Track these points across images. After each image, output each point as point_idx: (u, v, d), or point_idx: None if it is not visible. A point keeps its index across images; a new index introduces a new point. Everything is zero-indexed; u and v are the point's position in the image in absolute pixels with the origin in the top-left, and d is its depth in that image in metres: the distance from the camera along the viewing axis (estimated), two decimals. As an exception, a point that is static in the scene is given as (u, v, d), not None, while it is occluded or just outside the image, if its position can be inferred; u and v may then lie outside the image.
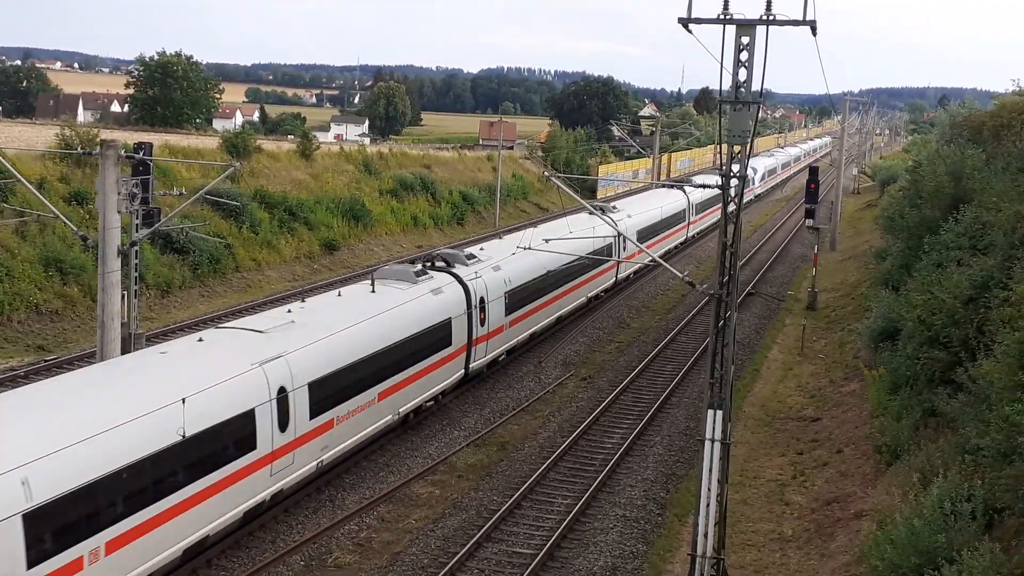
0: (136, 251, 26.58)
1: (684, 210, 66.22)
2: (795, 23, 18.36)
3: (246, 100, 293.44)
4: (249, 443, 21.82)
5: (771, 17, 18.26)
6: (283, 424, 22.94)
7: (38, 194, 30.14)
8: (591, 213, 33.46)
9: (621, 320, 47.08)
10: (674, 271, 22.45)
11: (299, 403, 23.53)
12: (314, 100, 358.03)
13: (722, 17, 18.42)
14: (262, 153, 64.49)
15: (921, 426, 25.08)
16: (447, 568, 22.03)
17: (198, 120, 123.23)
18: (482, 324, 34.18)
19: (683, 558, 22.55)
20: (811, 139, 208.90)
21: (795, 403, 35.12)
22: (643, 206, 58.18)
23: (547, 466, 28.15)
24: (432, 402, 31.82)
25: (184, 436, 19.45)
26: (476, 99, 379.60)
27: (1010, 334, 20.23)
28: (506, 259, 37.12)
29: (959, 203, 34.63)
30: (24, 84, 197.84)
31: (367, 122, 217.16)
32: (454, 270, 33.67)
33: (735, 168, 18.68)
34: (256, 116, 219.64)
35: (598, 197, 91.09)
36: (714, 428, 19.25)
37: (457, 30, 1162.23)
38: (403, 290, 30.26)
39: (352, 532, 24.17)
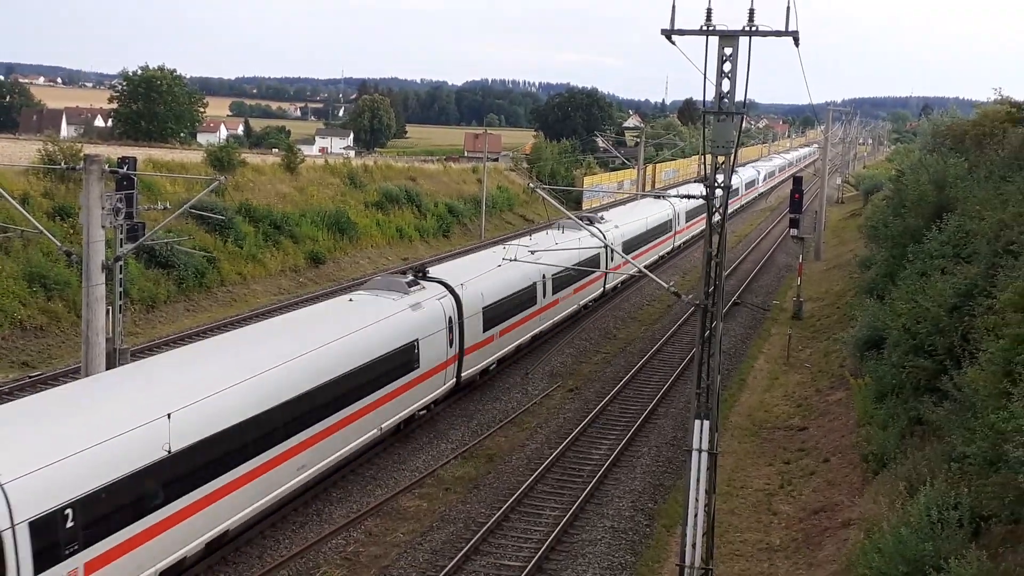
0: (121, 266, 26.49)
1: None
2: (777, 34, 18.44)
3: (230, 114, 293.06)
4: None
5: (754, 28, 18.34)
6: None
7: (21, 209, 30.03)
8: (579, 225, 33.47)
9: (607, 331, 47.11)
10: (660, 282, 22.48)
11: None
12: (299, 113, 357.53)
13: (705, 28, 18.49)
14: (247, 167, 64.37)
15: (907, 434, 25.13)
16: (435, 581, 21.97)
17: (182, 134, 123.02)
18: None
19: (671, 569, 22.56)
20: (795, 149, 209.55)
21: (782, 412, 35.17)
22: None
23: (535, 478, 28.12)
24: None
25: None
26: (461, 111, 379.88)
27: (994, 342, 20.32)
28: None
29: (942, 212, 34.80)
30: (7, 99, 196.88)
31: (352, 135, 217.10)
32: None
33: (719, 178, 18.72)
34: (240, 130, 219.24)
35: (583, 208, 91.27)
36: (701, 438, 19.25)
37: (441, 43, 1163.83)
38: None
39: (340, 546, 24.09)
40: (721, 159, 18.85)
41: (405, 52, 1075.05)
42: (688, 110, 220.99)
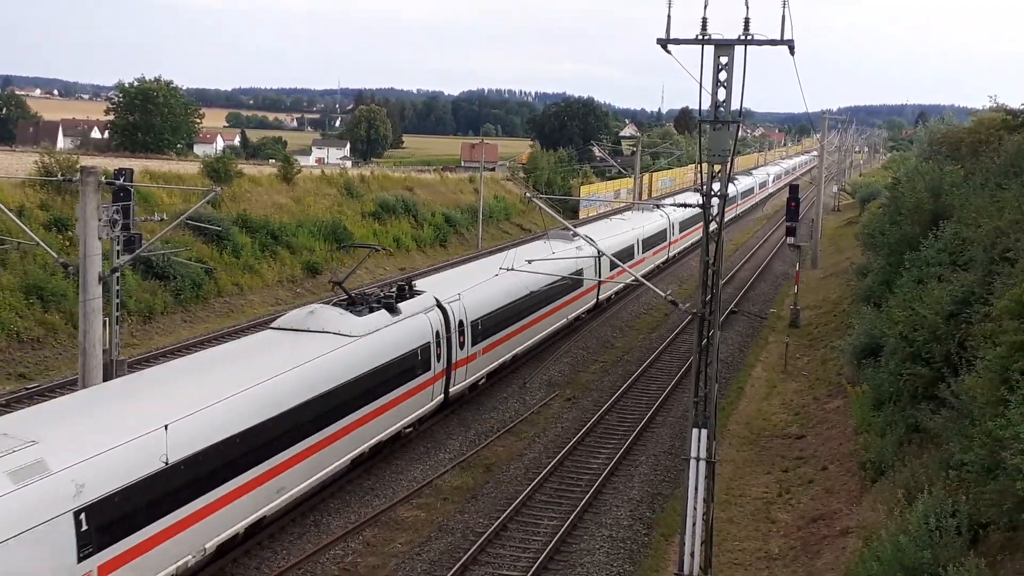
0: (117, 277, 26.54)
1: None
2: (773, 43, 18.50)
3: (227, 125, 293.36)
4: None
5: (749, 37, 18.40)
6: None
7: (18, 221, 30.05)
8: (574, 235, 33.32)
9: (605, 340, 47.11)
10: (657, 290, 22.52)
11: None
12: (295, 124, 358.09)
13: (700, 38, 18.55)
14: (243, 177, 64.41)
15: (905, 442, 25.13)
16: (434, 592, 21.93)
17: (179, 145, 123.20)
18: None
19: (670, 578, 22.52)
20: (791, 157, 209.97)
21: (779, 421, 35.16)
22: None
23: (533, 487, 28.08)
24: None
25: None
26: (457, 121, 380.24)
27: (991, 349, 20.33)
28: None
29: (939, 219, 34.84)
30: (3, 111, 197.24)
31: (348, 145, 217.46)
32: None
33: (715, 187, 18.76)
34: (237, 140, 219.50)
35: (580, 217, 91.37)
36: (699, 447, 19.26)
37: (437, 53, 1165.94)
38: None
39: (338, 557, 24.04)
40: (718, 168, 18.89)
41: (401, 62, 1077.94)
42: (684, 119, 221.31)
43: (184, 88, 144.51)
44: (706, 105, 18.77)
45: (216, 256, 52.35)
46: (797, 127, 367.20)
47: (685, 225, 71.78)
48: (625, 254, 54.90)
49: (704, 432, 19.26)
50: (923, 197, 38.57)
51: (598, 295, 50.78)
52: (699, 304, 19.43)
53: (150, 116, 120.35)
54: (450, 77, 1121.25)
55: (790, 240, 54.32)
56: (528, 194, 37.09)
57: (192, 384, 22.52)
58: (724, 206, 18.95)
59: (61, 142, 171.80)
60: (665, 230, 66.34)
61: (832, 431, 32.12)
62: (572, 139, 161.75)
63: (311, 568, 23.34)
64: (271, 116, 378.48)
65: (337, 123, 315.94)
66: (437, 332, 31.91)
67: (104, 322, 24.42)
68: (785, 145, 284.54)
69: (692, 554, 19.18)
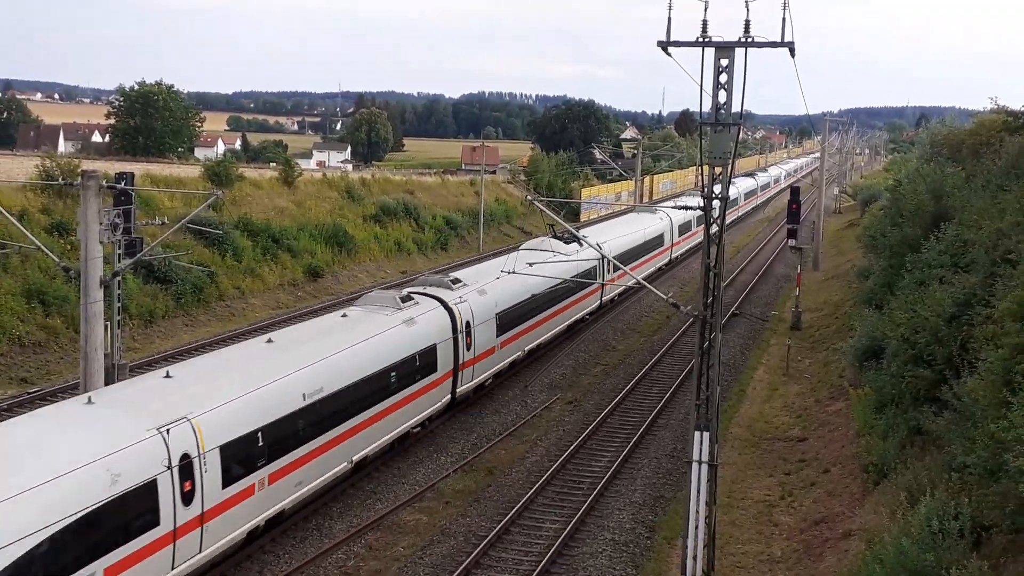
0: (119, 281, 26.49)
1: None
2: (773, 45, 18.51)
3: (228, 128, 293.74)
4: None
5: (749, 39, 18.40)
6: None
7: (19, 225, 29.97)
8: (577, 239, 33.45)
9: (606, 342, 47.09)
10: (658, 293, 22.51)
11: None
12: (296, 127, 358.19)
13: (701, 40, 18.55)
14: (244, 181, 64.38)
15: (907, 444, 25.11)
16: (436, 596, 21.90)
17: (180, 149, 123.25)
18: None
19: (672, 581, 22.50)
20: (792, 159, 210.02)
21: (781, 423, 35.14)
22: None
23: (535, 491, 28.07)
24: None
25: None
26: (458, 124, 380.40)
27: (993, 351, 20.31)
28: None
29: (940, 221, 34.81)
30: (4, 115, 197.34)
31: (349, 148, 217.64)
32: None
33: (716, 189, 18.76)
34: (238, 144, 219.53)
35: (581, 220, 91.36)
36: (701, 450, 19.26)
37: (437, 56, 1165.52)
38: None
39: (340, 561, 24.02)
40: (718, 170, 18.88)
41: (402, 65, 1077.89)
42: (685, 121, 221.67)
43: (185, 92, 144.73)
44: (707, 107, 18.78)
45: (217, 260, 52.35)
46: (798, 129, 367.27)
47: (685, 228, 71.75)
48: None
49: (706, 435, 19.25)
50: (924, 199, 38.55)
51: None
52: (700, 307, 19.42)
53: (151, 120, 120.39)
54: (451, 80, 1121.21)
55: (791, 242, 54.34)
56: (529, 197, 37.07)
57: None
58: (725, 208, 18.94)
59: (62, 146, 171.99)
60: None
61: (834, 434, 32.10)
62: (573, 142, 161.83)
63: (313, 572, 23.33)
64: (272, 119, 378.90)
65: (338, 126, 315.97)
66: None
67: (105, 326, 24.38)
68: (786, 147, 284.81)
69: (695, 557, 19.17)
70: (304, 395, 24.17)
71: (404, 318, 30.43)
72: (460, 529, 25.92)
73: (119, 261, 26.05)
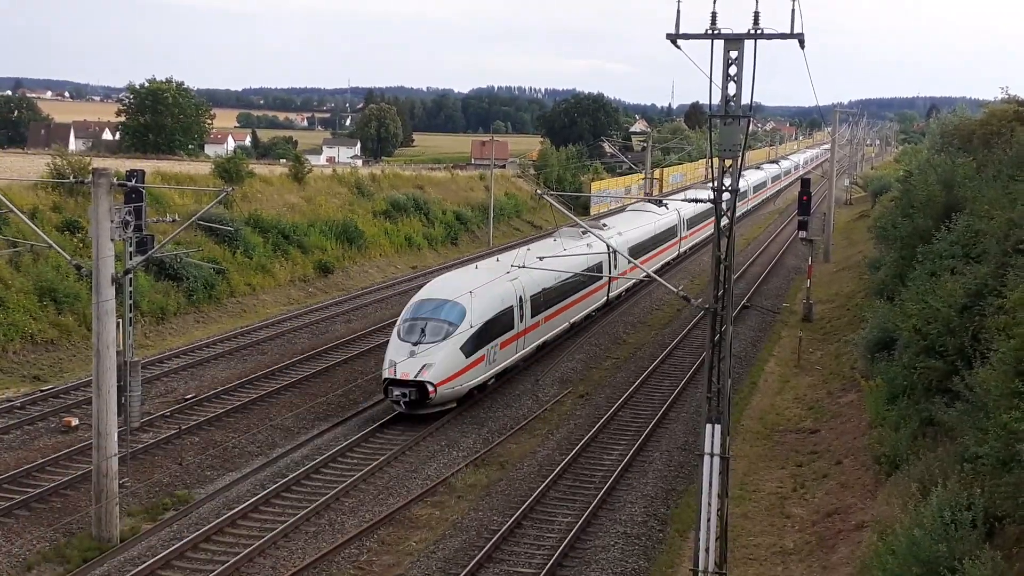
0: (130, 279, 26.57)
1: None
2: (783, 36, 18.44)
3: (237, 125, 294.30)
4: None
5: (759, 31, 18.34)
6: None
7: (31, 224, 30.06)
8: (584, 232, 34.09)
9: (617, 336, 47.10)
10: (669, 286, 22.48)
11: None
12: (305, 123, 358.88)
13: (710, 32, 18.50)
14: (255, 178, 64.51)
15: (919, 436, 25.05)
16: (448, 590, 21.95)
17: (190, 146, 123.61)
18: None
19: (685, 574, 22.51)
20: (803, 151, 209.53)
21: (793, 415, 35.11)
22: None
23: (547, 484, 28.11)
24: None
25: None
26: (467, 119, 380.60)
27: (1005, 342, 20.25)
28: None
29: (951, 212, 34.71)
30: (15, 114, 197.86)
31: (359, 144, 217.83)
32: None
33: (727, 181, 18.72)
34: (248, 141, 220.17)
35: (591, 214, 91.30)
36: (713, 442, 19.23)
37: (447, 51, 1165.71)
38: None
39: (353, 556, 24.09)
40: (728, 162, 18.85)
41: (411, 61, 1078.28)
42: (695, 114, 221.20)
43: (195, 89, 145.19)
44: (716, 100, 18.74)
45: (228, 256, 52.48)
46: (808, 121, 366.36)
47: (695, 221, 71.65)
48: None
49: (718, 427, 19.23)
50: (935, 190, 38.43)
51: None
52: (711, 299, 19.40)
53: (161, 117, 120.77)
54: (460, 74, 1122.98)
55: (802, 234, 54.21)
56: (539, 191, 37.21)
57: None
58: (735, 201, 18.90)
59: (73, 144, 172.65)
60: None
61: (846, 425, 32.06)
62: (582, 135, 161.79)
63: (326, 567, 23.40)
64: (282, 116, 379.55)
65: (347, 122, 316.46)
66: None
67: (117, 323, 24.45)
68: (797, 139, 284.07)
69: (707, 550, 19.15)
70: (555, 278, 41.36)
71: (586, 243, 46.14)
72: (472, 523, 25.97)
73: (130, 258, 26.14)
